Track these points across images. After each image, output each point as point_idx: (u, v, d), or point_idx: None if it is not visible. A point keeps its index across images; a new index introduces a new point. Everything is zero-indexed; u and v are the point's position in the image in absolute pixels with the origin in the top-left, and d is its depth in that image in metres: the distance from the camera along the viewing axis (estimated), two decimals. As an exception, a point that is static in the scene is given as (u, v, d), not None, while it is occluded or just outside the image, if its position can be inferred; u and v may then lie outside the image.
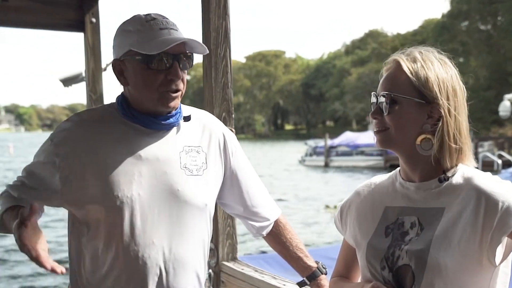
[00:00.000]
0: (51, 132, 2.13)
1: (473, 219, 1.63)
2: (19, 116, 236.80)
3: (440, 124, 1.71)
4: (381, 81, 1.81)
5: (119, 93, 2.16)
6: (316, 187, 28.96)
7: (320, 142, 48.14)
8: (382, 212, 1.86)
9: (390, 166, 40.55)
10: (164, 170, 2.06)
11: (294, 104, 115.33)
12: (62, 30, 4.95)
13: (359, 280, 2.03)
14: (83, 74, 5.12)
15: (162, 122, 2.08)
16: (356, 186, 2.06)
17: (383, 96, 1.75)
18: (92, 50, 4.81)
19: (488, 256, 1.62)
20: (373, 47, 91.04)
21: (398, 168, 1.91)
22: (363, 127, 76.37)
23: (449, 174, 1.74)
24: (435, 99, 1.71)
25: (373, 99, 1.81)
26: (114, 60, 2.07)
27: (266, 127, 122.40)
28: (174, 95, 2.04)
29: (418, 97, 1.71)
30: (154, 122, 2.08)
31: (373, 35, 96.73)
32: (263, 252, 7.01)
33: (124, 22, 2.08)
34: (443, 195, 1.73)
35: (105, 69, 4.93)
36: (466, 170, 1.76)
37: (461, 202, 1.68)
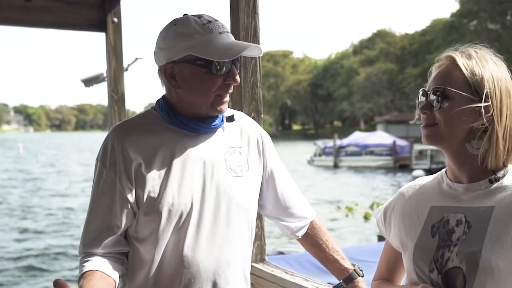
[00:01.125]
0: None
1: None
2: (28, 117, 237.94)
3: (492, 123, 1.67)
4: (432, 77, 1.77)
5: (160, 98, 2.13)
6: (326, 187, 28.91)
7: (329, 142, 48.19)
8: (427, 212, 1.82)
9: (400, 166, 40.56)
10: (212, 172, 2.06)
11: (301, 104, 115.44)
12: (84, 30, 4.93)
13: (402, 283, 2.00)
14: (104, 74, 5.11)
15: (209, 125, 2.08)
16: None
17: (435, 90, 1.71)
18: (114, 50, 4.78)
19: None
20: (381, 47, 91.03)
21: (444, 169, 1.88)
22: (371, 127, 76.25)
23: (499, 174, 1.71)
24: (488, 98, 1.67)
25: (422, 96, 1.78)
26: (167, 63, 2.02)
27: (274, 127, 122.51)
28: (226, 99, 2.05)
29: (471, 93, 1.68)
30: (202, 126, 2.07)
31: (381, 35, 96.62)
32: (281, 252, 6.97)
33: (175, 25, 2.02)
34: (493, 195, 1.69)
35: (126, 69, 4.92)
36: None
37: None
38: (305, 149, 58.54)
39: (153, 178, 1.99)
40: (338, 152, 44.20)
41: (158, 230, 1.99)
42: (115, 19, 4.72)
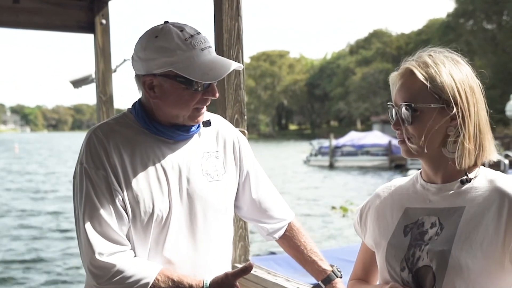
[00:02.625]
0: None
1: (496, 221, 1.63)
2: (24, 117, 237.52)
3: (461, 125, 1.69)
4: (395, 91, 1.79)
5: (136, 102, 2.14)
6: (322, 187, 28.90)
7: (325, 142, 48.09)
8: (402, 212, 1.85)
9: (396, 166, 40.52)
10: (188, 177, 2.07)
11: (298, 104, 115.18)
12: (73, 32, 4.95)
13: (377, 283, 2.02)
14: (93, 76, 5.13)
15: (185, 133, 2.09)
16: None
17: (402, 106, 1.73)
18: (102, 52, 4.79)
19: (510, 258, 1.61)
20: (377, 46, 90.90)
21: (419, 170, 1.90)
22: (367, 127, 76.21)
23: (471, 175, 1.74)
24: (454, 101, 1.69)
25: (391, 110, 1.80)
26: (146, 75, 2.00)
27: (270, 127, 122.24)
28: (203, 110, 2.06)
29: (438, 102, 1.70)
30: (178, 134, 2.08)
31: (377, 35, 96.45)
32: (272, 253, 6.97)
33: (157, 36, 1.99)
34: (464, 195, 1.72)
35: (115, 71, 4.94)
36: (488, 172, 1.76)
37: (483, 203, 1.67)
38: (302, 149, 58.45)
39: (131, 183, 2.00)
40: (334, 152, 44.14)
41: (138, 236, 2.01)
42: (103, 21, 4.73)
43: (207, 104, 2.06)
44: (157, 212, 1.99)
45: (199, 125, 2.14)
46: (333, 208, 21.59)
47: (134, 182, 2.00)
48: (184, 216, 2.05)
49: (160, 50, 1.96)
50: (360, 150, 43.75)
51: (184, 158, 2.09)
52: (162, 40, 1.97)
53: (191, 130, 2.11)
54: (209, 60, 1.97)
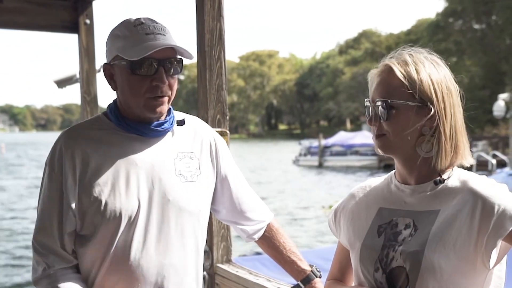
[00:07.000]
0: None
1: (468, 222, 1.64)
2: (13, 116, 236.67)
3: (437, 125, 1.71)
4: (374, 87, 1.79)
5: (111, 101, 2.14)
6: (311, 187, 28.94)
7: (314, 142, 48.14)
8: (375, 212, 1.86)
9: (385, 166, 40.62)
10: (160, 177, 2.06)
11: (287, 104, 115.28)
12: (57, 32, 4.96)
13: (353, 283, 2.03)
14: (77, 76, 5.12)
15: (156, 128, 2.08)
16: (350, 185, 2.06)
17: (379, 103, 1.74)
18: (86, 52, 4.80)
19: (482, 259, 1.62)
20: (366, 46, 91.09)
21: (393, 171, 1.91)
22: (357, 127, 76.42)
23: (444, 176, 1.74)
24: (431, 101, 1.70)
25: (367, 105, 1.81)
26: (104, 64, 2.08)
27: (260, 127, 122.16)
28: (160, 100, 2.02)
29: (414, 100, 1.70)
30: (149, 129, 2.07)
31: (366, 35, 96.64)
32: (258, 253, 6.97)
33: (115, 27, 2.07)
34: (438, 198, 1.73)
35: (99, 71, 4.93)
36: (462, 173, 1.76)
37: (457, 204, 1.68)
38: (291, 149, 58.47)
39: (99, 184, 1.99)
40: (323, 152, 44.21)
41: (104, 235, 1.99)
42: (87, 21, 4.73)
43: (160, 93, 2.01)
44: (123, 212, 1.98)
45: (172, 122, 2.13)
46: (323, 207, 21.64)
47: (100, 184, 1.99)
48: (154, 217, 2.03)
49: (113, 38, 2.05)
50: (349, 150, 43.82)
51: (157, 157, 2.08)
52: (116, 29, 2.06)
53: (162, 126, 2.09)
54: (149, 43, 1.97)
